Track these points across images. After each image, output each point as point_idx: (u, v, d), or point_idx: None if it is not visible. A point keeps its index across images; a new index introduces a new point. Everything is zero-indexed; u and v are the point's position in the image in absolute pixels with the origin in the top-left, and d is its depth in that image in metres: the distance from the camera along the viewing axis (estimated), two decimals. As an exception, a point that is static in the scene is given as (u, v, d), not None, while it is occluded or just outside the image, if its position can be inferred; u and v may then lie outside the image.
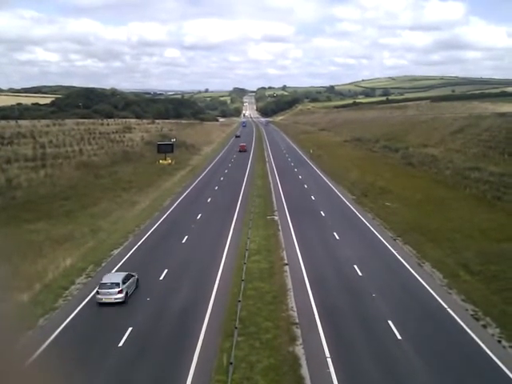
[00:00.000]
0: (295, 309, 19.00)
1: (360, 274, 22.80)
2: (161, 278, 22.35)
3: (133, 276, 21.02)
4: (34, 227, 29.88)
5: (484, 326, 17.43)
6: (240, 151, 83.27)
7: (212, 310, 18.95)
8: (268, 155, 79.93)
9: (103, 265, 24.33)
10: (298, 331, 17.14)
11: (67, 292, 20.81)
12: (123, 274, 20.62)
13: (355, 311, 18.88)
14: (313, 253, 26.35)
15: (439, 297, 20.02)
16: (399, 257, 25.48)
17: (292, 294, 20.54)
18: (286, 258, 25.43)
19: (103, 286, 19.54)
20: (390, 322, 17.56)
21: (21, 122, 72.93)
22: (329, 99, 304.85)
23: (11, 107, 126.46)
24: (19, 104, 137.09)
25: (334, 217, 34.78)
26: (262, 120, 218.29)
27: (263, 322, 17.72)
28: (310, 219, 34.08)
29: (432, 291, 20.66)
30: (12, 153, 50.83)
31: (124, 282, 19.80)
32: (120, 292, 19.32)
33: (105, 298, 19.33)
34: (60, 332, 17.22)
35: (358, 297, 20.25)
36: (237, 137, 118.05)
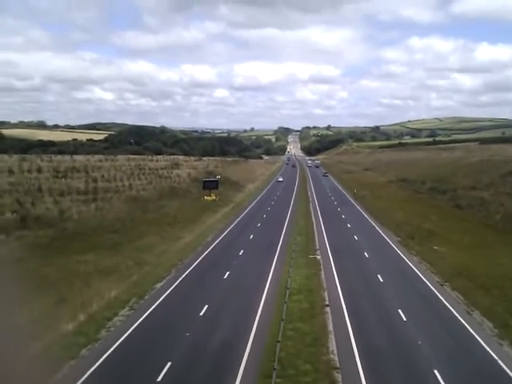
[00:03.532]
0: (336, 352, 18.50)
1: (405, 319, 22.02)
2: (201, 314, 22.42)
3: None
4: (83, 258, 30.88)
5: (539, 382, 16.32)
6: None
7: (251, 349, 18.73)
8: (311, 194, 79.83)
9: (146, 297, 24.71)
10: (339, 376, 16.63)
11: (110, 323, 21.20)
12: None
13: (399, 358, 18.16)
14: (355, 295, 25.75)
15: (489, 348, 18.98)
16: (447, 303, 24.47)
17: (333, 336, 20.05)
18: (327, 298, 24.97)
19: None
20: (436, 372, 16.76)
21: (75, 157, 76.81)
22: (373, 139, 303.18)
23: (67, 142, 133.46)
24: (75, 140, 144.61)
25: (378, 258, 34.02)
26: (309, 162, 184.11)
27: (303, 365, 17.33)
28: (352, 260, 33.50)
29: (482, 341, 19.63)
30: (65, 186, 53.38)
31: None
32: None
33: None
34: (101, 363, 17.45)
35: (402, 343, 19.50)
36: (278, 181, 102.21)
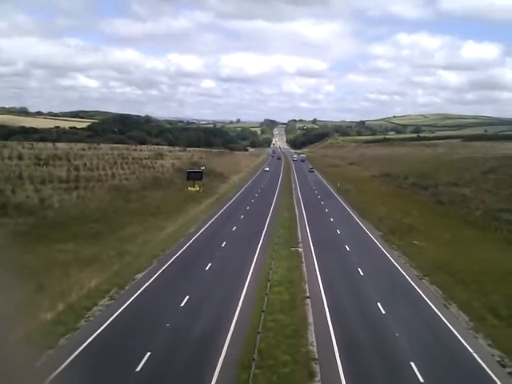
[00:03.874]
0: (315, 344, 18.69)
1: (383, 311, 22.33)
2: (181, 305, 22.41)
3: None
4: (63, 247, 30.58)
5: (511, 374, 16.73)
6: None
7: (231, 340, 18.80)
8: (295, 187, 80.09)
9: (126, 288, 24.59)
10: (317, 367, 16.81)
11: (89, 313, 21.07)
12: None
13: (377, 350, 18.43)
14: (335, 287, 26.01)
15: (465, 340, 19.37)
16: (425, 297, 24.87)
17: (313, 328, 20.23)
18: (308, 290, 25.17)
19: None
20: (412, 364, 17.05)
21: (58, 144, 75.73)
22: (359, 134, 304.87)
23: (50, 130, 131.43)
24: (57, 127, 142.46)
25: (359, 252, 34.36)
26: (295, 155, 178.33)
27: (282, 356, 17.47)
28: (334, 253, 33.79)
29: (457, 334, 20.02)
30: (47, 174, 52.66)
31: None
32: None
33: None
34: (79, 353, 17.33)
35: (380, 335, 19.78)
36: (265, 171, 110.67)
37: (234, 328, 19.91)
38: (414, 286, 26.67)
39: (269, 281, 25.86)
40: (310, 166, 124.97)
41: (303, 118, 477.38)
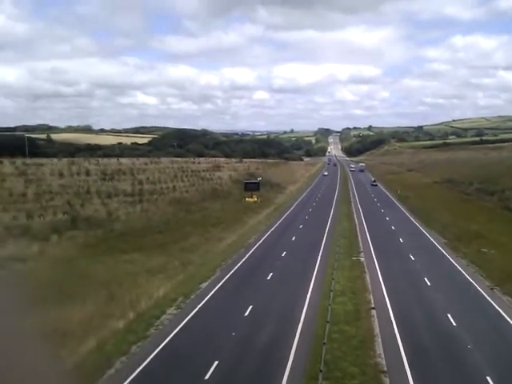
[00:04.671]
0: (383, 356, 18.27)
1: (454, 323, 21.48)
2: (246, 314, 22.64)
3: None
4: (130, 258, 31.81)
5: None
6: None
7: (296, 350, 18.78)
8: (353, 195, 78.91)
9: (192, 297, 25.21)
10: (387, 380, 16.43)
11: (158, 321, 21.75)
12: None
13: (449, 363, 17.73)
14: (401, 298, 25.32)
15: (546, 354, 18.24)
16: (498, 307, 23.68)
17: (379, 339, 19.80)
18: (372, 301, 24.69)
19: None
20: (488, 379, 16.27)
21: (121, 159, 79.12)
22: (417, 139, 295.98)
23: (113, 146, 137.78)
24: (120, 143, 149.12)
25: (425, 261, 33.29)
26: (353, 165, 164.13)
27: (349, 367, 17.23)
28: (398, 262, 32.93)
29: (537, 348, 18.89)
30: (113, 188, 55.18)
31: None
32: None
33: None
34: (150, 361, 17.89)
35: (452, 348, 19.03)
36: (324, 175, 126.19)
37: (299, 338, 19.87)
38: (485, 297, 25.48)
39: (331, 291, 25.62)
40: (373, 179, 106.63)
41: (358, 126, 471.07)
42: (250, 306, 23.45)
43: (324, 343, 18.80)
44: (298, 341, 19.58)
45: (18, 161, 67.57)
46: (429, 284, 27.66)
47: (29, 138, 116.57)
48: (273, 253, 35.75)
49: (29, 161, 68.67)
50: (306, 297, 25.22)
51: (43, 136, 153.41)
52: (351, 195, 78.86)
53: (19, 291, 24.12)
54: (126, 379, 16.31)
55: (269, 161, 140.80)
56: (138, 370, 16.97)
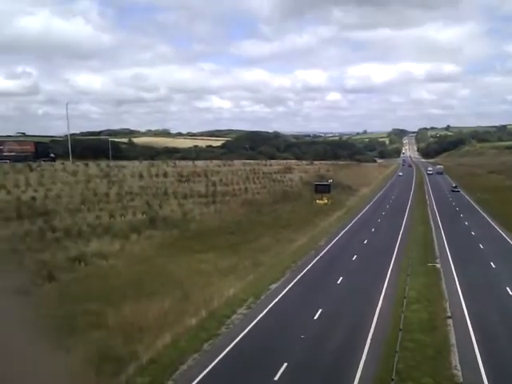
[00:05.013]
0: (459, 368, 17.46)
1: (540, 337, 20.03)
2: (315, 318, 22.59)
3: None
4: (204, 257, 32.83)
5: None
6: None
7: (367, 356, 18.43)
8: (430, 198, 75.79)
9: (262, 297, 25.55)
10: (463, 393, 15.71)
11: (229, 320, 22.29)
12: None
13: (533, 380, 16.59)
14: (481, 307, 23.99)
15: None
16: None
17: (456, 350, 18.94)
18: (449, 310, 23.64)
19: None
20: None
21: (196, 162, 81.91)
22: (500, 140, 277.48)
23: (189, 149, 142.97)
24: (196, 146, 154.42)
25: (507, 269, 31.28)
26: (430, 168, 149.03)
27: (422, 378, 16.65)
28: (477, 270, 31.23)
29: None
30: (188, 189, 57.27)
31: None
32: None
33: None
34: (221, 359, 18.38)
35: (537, 364, 17.77)
36: (399, 175, 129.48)
37: (370, 344, 19.50)
38: None
39: (405, 298, 24.86)
40: (454, 184, 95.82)
41: (435, 126, 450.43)
42: (320, 310, 23.36)
43: (396, 351, 18.32)
44: (369, 347, 19.23)
45: (103, 163, 72.04)
46: (511, 294, 25.99)
47: (112, 142, 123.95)
48: (343, 256, 35.30)
49: (112, 163, 73.02)
50: (377, 303, 24.68)
51: (125, 140, 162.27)
52: (427, 198, 75.76)
53: (101, 286, 25.64)
54: (197, 376, 16.88)
55: (340, 163, 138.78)
56: (210, 368, 17.50)
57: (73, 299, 23.71)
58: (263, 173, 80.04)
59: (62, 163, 72.44)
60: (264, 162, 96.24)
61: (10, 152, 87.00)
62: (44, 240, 34.30)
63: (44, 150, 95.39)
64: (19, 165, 67.82)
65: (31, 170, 61.21)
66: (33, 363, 16.06)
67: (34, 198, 45.66)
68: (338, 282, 28.47)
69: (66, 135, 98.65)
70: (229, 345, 19.51)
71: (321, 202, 63.27)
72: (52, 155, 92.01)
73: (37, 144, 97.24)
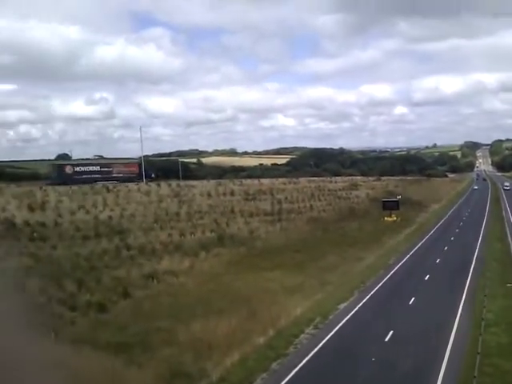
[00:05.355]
0: (546, 398, 16.23)
1: None
2: (386, 339, 21.92)
3: None
4: (270, 275, 32.96)
5: None
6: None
7: (442, 381, 17.61)
8: (506, 214, 71.38)
9: (330, 317, 25.20)
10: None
11: (297, 340, 22.15)
12: None
13: None
14: None
15: None
16: None
17: (542, 379, 17.61)
18: (532, 334, 22.05)
19: None
20: None
21: (262, 180, 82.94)
22: None
23: (255, 167, 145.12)
24: (261, 164, 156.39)
25: None
26: (507, 183, 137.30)
27: (504, 406, 15.66)
28: None
29: None
30: (254, 208, 58.09)
31: None
32: None
33: None
34: (290, 379, 18.26)
35: None
36: (474, 189, 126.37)
37: (445, 368, 18.57)
38: None
39: (482, 320, 23.52)
40: None
41: (510, 137, 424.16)
42: (391, 331, 22.63)
43: (474, 376, 17.36)
44: (444, 371, 18.32)
45: (173, 183, 74.88)
46: None
47: (182, 163, 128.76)
48: (415, 276, 34.06)
49: (182, 183, 75.67)
50: (452, 324, 23.52)
51: (194, 160, 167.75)
52: (504, 215, 71.36)
53: (172, 303, 26.46)
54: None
55: (409, 178, 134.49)
56: (278, 387, 17.46)
57: (146, 316, 24.69)
58: (328, 190, 79.38)
59: (137, 184, 76.10)
60: (329, 178, 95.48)
61: (119, 173, 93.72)
62: (120, 257, 36.12)
63: (146, 170, 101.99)
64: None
65: (108, 190, 64.80)
66: (106, 378, 16.83)
67: (110, 218, 48.26)
68: (410, 303, 27.48)
69: (140, 157, 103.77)
70: (297, 365, 19.35)
71: (389, 219, 61.61)
72: (153, 175, 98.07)
73: (140, 166, 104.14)
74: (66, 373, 16.15)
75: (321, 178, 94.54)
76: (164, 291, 29.48)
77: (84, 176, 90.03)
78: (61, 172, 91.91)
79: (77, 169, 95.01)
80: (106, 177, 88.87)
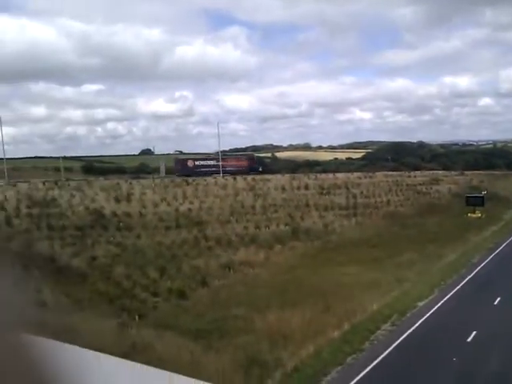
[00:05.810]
0: None
1: None
2: (468, 340, 20.98)
3: None
4: (345, 270, 32.63)
5: None
6: None
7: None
8: None
9: (407, 315, 24.53)
10: None
11: (373, 336, 21.83)
12: None
13: None
14: None
15: None
16: None
17: None
18: None
19: None
20: None
21: (337, 174, 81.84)
22: None
23: (329, 162, 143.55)
24: (336, 159, 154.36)
25: None
26: None
27: None
28: None
29: None
30: (329, 202, 57.61)
31: None
32: None
33: None
34: (365, 374, 18.09)
35: None
36: None
37: (534, 375, 17.49)
38: None
39: None
40: None
41: None
42: (474, 332, 21.61)
43: None
44: (533, 378, 17.27)
45: (249, 177, 76.16)
46: None
47: (257, 157, 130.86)
48: (502, 275, 32.12)
49: (257, 177, 76.76)
50: (543, 328, 22.00)
51: (269, 154, 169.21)
52: None
53: (248, 293, 27.20)
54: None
55: (495, 173, 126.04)
56: (353, 382, 17.37)
57: (223, 304, 25.53)
58: (407, 185, 76.51)
59: (214, 178, 78.31)
60: (407, 173, 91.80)
61: (231, 167, 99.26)
62: (198, 248, 37.54)
63: (254, 164, 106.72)
64: (178, 180, 74.90)
65: (187, 184, 67.28)
66: (187, 362, 17.62)
67: (190, 210, 50.13)
68: (496, 303, 26.03)
69: (217, 152, 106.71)
70: (373, 361, 19.11)
71: (473, 215, 58.32)
72: (260, 169, 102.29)
73: (249, 160, 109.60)
74: (150, 355, 17.17)
75: (398, 173, 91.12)
76: (240, 281, 30.27)
77: (203, 169, 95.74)
78: (184, 166, 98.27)
79: (197, 163, 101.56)
80: (221, 170, 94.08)
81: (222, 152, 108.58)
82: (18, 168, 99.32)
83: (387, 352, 19.95)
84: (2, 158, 77.20)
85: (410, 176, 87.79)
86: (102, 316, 22.88)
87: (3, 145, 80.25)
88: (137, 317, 23.62)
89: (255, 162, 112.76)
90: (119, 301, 26.23)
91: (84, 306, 24.59)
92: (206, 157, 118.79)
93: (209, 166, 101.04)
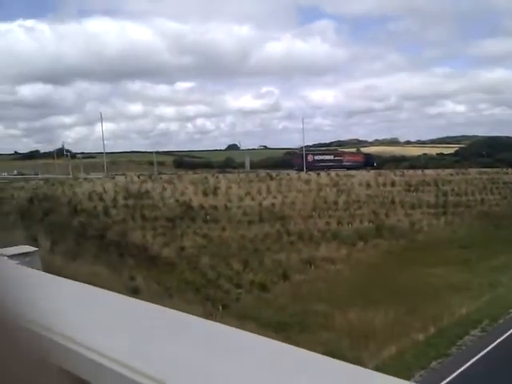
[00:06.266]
0: None
1: None
2: None
3: None
4: (433, 271, 31.34)
5: None
6: None
7: None
8: None
9: (500, 321, 23.10)
10: None
11: (461, 341, 20.87)
12: None
13: None
14: None
15: None
16: None
17: None
18: None
19: None
20: None
21: (426, 171, 78.31)
22: None
23: (417, 157, 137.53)
24: (425, 154, 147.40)
25: None
26: None
27: None
28: None
29: None
30: (416, 199, 55.38)
31: None
32: None
33: None
34: (450, 381, 17.41)
35: None
36: None
37: None
38: None
39: None
40: None
41: None
42: None
43: None
44: None
45: (332, 172, 75.48)
46: None
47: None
48: None
49: (341, 172, 75.77)
50: None
51: (353, 150, 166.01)
52: None
53: (328, 289, 27.26)
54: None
55: None
56: (437, 386, 16.83)
57: (303, 299, 25.78)
58: (503, 182, 71.21)
59: (297, 173, 78.61)
60: (505, 170, 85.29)
61: (347, 162, 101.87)
62: (280, 242, 38.04)
63: (369, 159, 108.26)
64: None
65: (271, 178, 68.17)
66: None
67: (273, 204, 50.85)
68: None
69: (301, 147, 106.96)
70: (460, 367, 18.32)
71: None
72: (375, 164, 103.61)
73: (364, 156, 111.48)
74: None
75: (495, 169, 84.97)
76: (321, 277, 30.29)
77: (321, 164, 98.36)
78: (301, 160, 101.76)
79: (316, 157, 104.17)
80: (338, 165, 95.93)
81: (305, 147, 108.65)
82: (116, 162, 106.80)
83: (475, 359, 19.00)
84: (102, 153, 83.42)
85: (507, 173, 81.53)
86: (189, 303, 24.14)
87: (103, 140, 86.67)
88: (220, 307, 24.62)
89: (371, 157, 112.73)
90: (204, 290, 27.48)
91: (172, 293, 26.08)
92: (323, 152, 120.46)
93: (327, 160, 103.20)
